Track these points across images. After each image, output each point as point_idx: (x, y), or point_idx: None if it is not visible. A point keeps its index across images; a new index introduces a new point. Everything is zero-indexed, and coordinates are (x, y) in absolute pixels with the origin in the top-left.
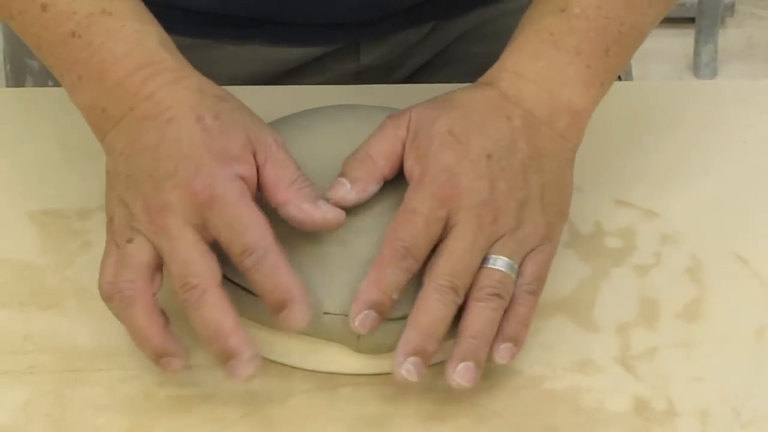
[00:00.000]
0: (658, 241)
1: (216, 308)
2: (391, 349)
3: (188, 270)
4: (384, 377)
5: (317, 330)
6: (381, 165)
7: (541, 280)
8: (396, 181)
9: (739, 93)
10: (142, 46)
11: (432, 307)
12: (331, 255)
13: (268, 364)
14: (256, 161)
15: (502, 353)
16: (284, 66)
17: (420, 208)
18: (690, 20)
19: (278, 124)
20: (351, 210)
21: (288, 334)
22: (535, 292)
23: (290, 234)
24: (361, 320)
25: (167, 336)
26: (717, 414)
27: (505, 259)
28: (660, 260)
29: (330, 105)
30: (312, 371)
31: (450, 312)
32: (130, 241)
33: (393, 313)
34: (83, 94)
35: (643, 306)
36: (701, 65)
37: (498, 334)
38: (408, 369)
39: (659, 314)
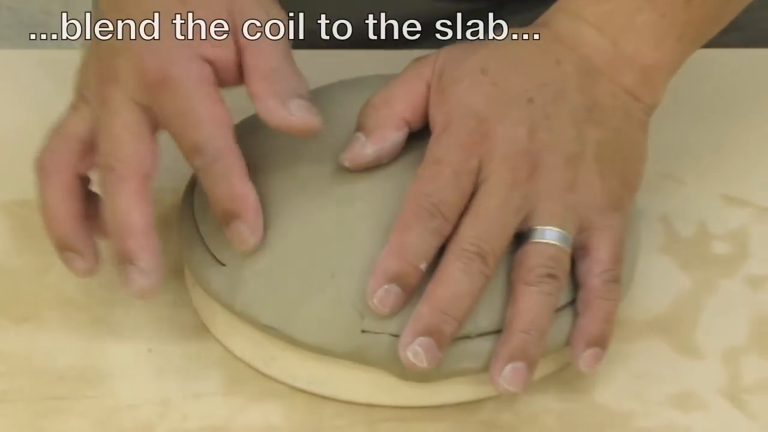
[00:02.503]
0: None
1: (129, 200)
2: (444, 376)
3: (114, 150)
4: (435, 411)
5: (353, 352)
6: (400, 109)
7: (619, 261)
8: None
9: None
10: None
11: (452, 278)
12: (372, 255)
13: (293, 393)
14: (238, 43)
15: (588, 361)
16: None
17: (446, 157)
18: None
19: None
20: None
21: (317, 357)
22: (618, 279)
23: (323, 227)
24: (380, 298)
25: (75, 226)
26: None
27: (556, 229)
28: None
29: (373, 74)
30: (347, 402)
31: (475, 285)
32: (74, 108)
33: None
34: None
35: (758, 327)
36: None
37: (579, 335)
38: (415, 351)
39: None
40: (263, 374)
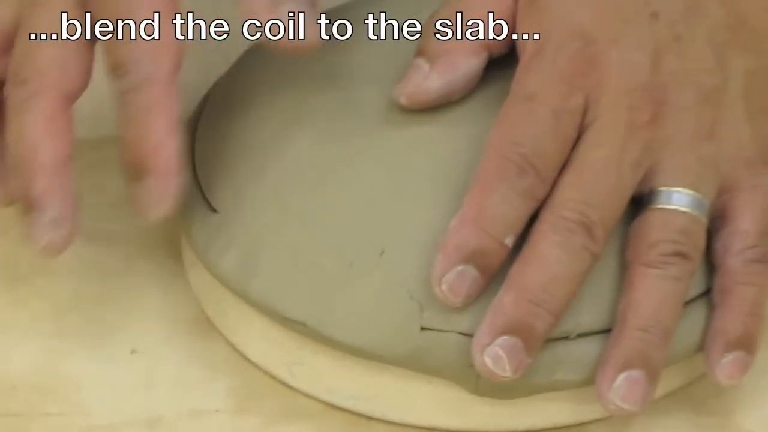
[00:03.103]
0: None
1: (40, 126)
2: (533, 390)
3: (31, 54)
4: None
5: (410, 356)
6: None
7: None
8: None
9: None
10: None
11: (547, 257)
12: (438, 226)
13: (327, 411)
14: None
15: (728, 369)
16: None
17: (541, 92)
18: None
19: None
20: (463, 123)
21: (361, 363)
22: (766, 258)
23: (369, 188)
24: (451, 283)
25: None
26: None
27: (687, 191)
28: None
29: None
30: (400, 425)
31: (578, 266)
32: None
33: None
34: None
35: None
36: None
37: (716, 335)
38: (495, 355)
39: None
40: (287, 385)
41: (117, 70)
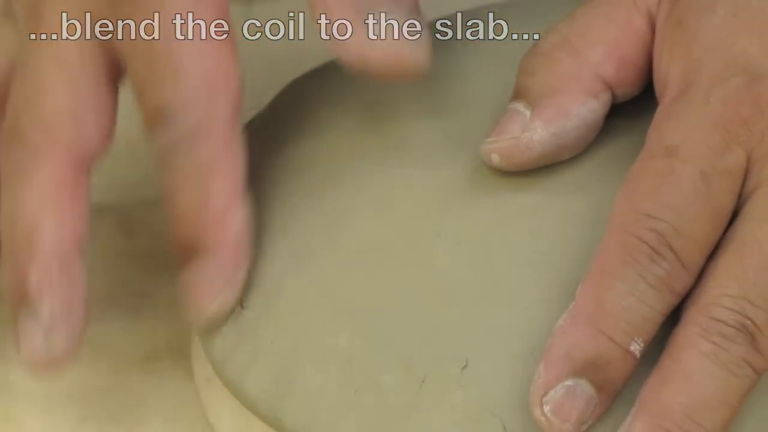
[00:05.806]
0: None
1: (45, 195)
2: None
3: (30, 103)
4: None
5: None
6: (596, 58)
7: None
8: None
9: None
10: None
11: (694, 371)
12: (539, 327)
13: None
14: None
15: None
16: None
17: (687, 146)
18: None
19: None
20: (556, 177)
21: None
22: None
23: (443, 280)
24: (558, 403)
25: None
26: None
27: None
28: None
29: None
30: None
31: (737, 385)
32: None
33: None
34: None
35: None
36: None
37: None
38: None
39: None
40: None
41: (157, 117)
